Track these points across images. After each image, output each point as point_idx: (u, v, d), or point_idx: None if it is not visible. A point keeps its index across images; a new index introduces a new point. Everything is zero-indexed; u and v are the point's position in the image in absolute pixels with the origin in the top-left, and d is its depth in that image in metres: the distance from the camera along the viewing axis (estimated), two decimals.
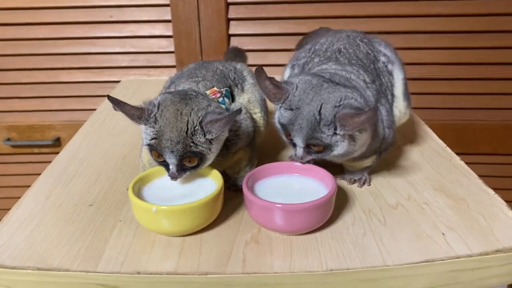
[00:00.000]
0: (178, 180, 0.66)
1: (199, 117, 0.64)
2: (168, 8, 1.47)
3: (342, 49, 0.80)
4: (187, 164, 0.65)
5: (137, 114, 0.64)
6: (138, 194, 0.66)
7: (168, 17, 1.48)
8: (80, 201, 0.74)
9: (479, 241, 0.62)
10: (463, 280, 0.60)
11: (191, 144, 0.64)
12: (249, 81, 0.81)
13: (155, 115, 0.64)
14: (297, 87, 0.68)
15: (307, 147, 0.68)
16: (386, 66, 0.80)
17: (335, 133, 0.64)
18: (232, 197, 0.74)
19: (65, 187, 0.78)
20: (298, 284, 0.58)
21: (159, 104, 0.65)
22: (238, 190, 0.75)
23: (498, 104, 1.50)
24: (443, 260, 0.59)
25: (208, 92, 0.72)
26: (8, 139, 1.60)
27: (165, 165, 0.66)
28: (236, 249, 0.62)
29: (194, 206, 0.62)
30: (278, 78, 0.73)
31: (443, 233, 0.64)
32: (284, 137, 0.71)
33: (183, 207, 0.62)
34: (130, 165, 0.85)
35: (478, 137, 1.55)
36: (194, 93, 0.68)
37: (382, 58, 0.81)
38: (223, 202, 0.68)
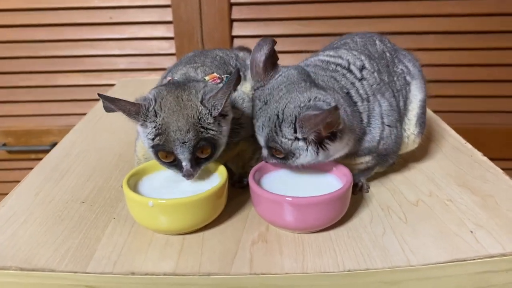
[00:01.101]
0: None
1: (198, 98, 0.58)
2: (170, 9, 1.43)
3: (350, 42, 0.73)
4: (201, 155, 0.59)
5: (134, 109, 0.58)
6: (134, 189, 0.60)
7: (170, 18, 1.43)
8: (72, 198, 0.68)
9: None
10: (497, 283, 0.54)
11: (202, 130, 0.58)
12: None
13: (153, 108, 0.58)
14: (276, 78, 0.60)
15: (269, 149, 0.60)
16: (404, 75, 0.71)
17: (296, 138, 0.57)
18: (237, 194, 0.68)
19: (57, 184, 0.72)
20: (311, 286, 0.52)
21: (155, 97, 0.59)
22: (244, 187, 0.69)
23: (511, 107, 1.45)
24: (474, 259, 0.53)
25: (207, 78, 0.67)
26: (4, 144, 1.55)
27: (176, 165, 0.60)
28: (242, 248, 0.56)
29: (195, 200, 0.56)
30: None
31: (471, 231, 0.58)
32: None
33: (183, 201, 0.56)
34: (127, 162, 0.79)
35: (489, 142, 1.48)
36: (187, 80, 0.63)
37: (401, 67, 0.72)
38: (227, 198, 0.62)
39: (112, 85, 1.45)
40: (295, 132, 0.56)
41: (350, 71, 0.65)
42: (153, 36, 1.47)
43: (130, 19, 1.45)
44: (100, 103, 1.09)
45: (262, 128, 0.59)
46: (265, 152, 0.62)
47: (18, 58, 1.49)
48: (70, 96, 1.53)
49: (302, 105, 0.57)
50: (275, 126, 0.58)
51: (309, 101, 0.57)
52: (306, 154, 0.58)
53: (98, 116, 0.99)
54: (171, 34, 1.45)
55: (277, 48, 1.51)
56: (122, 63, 1.50)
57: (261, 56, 0.60)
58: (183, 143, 0.57)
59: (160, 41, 1.48)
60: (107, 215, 0.63)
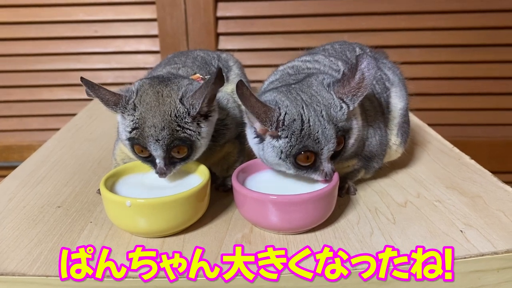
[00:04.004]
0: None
1: (178, 96, 0.57)
2: (155, 23, 1.42)
3: (329, 48, 0.73)
4: (176, 155, 0.57)
5: (113, 100, 0.57)
6: (112, 190, 0.58)
7: (155, 32, 1.43)
8: (47, 203, 0.65)
9: (503, 238, 0.54)
10: (488, 283, 0.52)
11: (178, 129, 0.56)
12: (235, 71, 0.75)
13: (133, 101, 0.57)
14: (276, 101, 0.55)
15: (333, 155, 0.56)
16: (383, 81, 0.70)
17: (348, 116, 0.55)
18: (220, 197, 0.66)
19: (32, 189, 0.69)
20: (297, 287, 0.49)
21: (137, 90, 0.58)
22: (228, 191, 0.67)
23: (497, 120, 1.45)
24: (465, 257, 0.51)
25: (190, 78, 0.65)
26: None
27: (151, 160, 0.58)
28: (225, 250, 0.53)
29: (175, 199, 0.54)
30: None
31: (461, 230, 0.56)
32: (295, 169, 0.56)
33: (162, 200, 0.53)
34: (107, 168, 0.76)
35: (476, 155, 1.47)
36: (173, 76, 0.61)
37: (380, 73, 0.70)
38: (209, 199, 0.60)
39: None
40: (348, 107, 0.55)
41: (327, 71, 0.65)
42: (138, 50, 1.46)
43: (116, 33, 1.44)
44: (80, 114, 1.08)
45: (326, 132, 0.54)
46: (329, 167, 0.56)
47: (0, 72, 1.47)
48: (53, 110, 1.50)
49: (326, 87, 0.56)
50: (332, 118, 0.55)
51: (323, 81, 0.57)
52: (356, 127, 0.57)
53: (78, 125, 0.96)
54: (157, 48, 1.44)
55: (263, 62, 1.50)
56: (108, 77, 1.48)
57: (251, 97, 0.53)
58: (156, 140, 0.55)
59: (145, 55, 1.47)
60: (84, 219, 0.61)
